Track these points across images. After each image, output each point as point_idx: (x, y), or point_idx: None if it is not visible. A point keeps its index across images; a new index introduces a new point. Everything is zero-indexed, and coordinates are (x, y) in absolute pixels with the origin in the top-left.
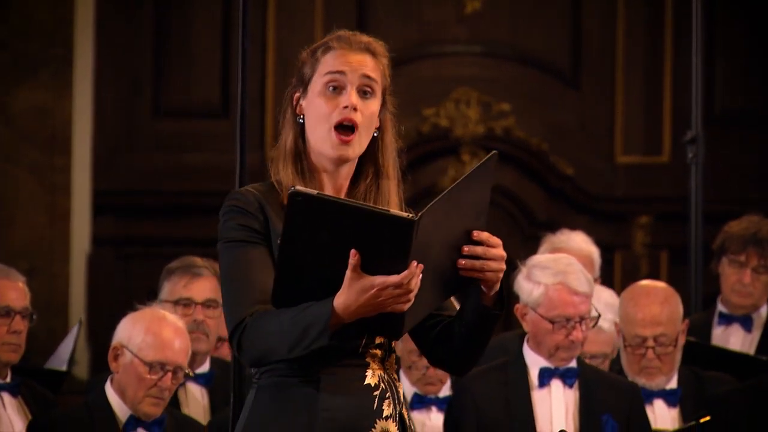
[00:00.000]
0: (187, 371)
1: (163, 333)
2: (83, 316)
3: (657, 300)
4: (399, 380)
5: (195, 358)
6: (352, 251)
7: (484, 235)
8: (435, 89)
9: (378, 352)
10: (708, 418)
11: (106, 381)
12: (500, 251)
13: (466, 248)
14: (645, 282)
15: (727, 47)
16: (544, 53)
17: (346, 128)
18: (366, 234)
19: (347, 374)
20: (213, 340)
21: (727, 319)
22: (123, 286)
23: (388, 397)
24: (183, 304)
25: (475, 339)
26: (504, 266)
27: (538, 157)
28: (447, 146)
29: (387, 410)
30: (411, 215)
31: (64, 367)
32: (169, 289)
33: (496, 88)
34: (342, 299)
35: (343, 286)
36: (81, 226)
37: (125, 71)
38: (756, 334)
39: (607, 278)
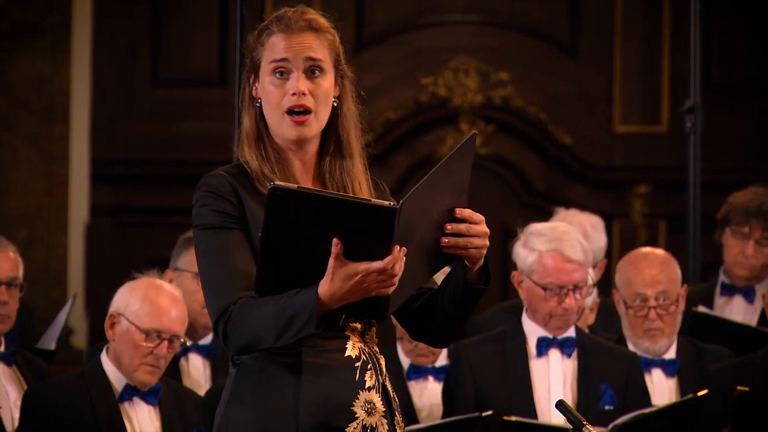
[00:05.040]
0: (183, 340)
1: (160, 301)
2: (81, 285)
3: (656, 262)
4: (381, 353)
5: (197, 331)
6: (335, 240)
7: (467, 212)
8: (433, 58)
9: (358, 325)
10: (706, 391)
11: (102, 350)
12: (483, 228)
13: (449, 226)
14: (642, 248)
15: (725, 15)
16: (542, 22)
17: (299, 112)
18: (348, 223)
19: (328, 347)
20: None
21: (729, 290)
22: (121, 255)
23: (370, 369)
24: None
25: (459, 313)
26: (487, 242)
27: (536, 126)
28: (445, 115)
29: (369, 381)
30: (393, 203)
31: (52, 346)
32: (190, 258)
33: (494, 57)
34: (327, 287)
35: (326, 273)
36: (79, 195)
37: (123, 40)
38: (758, 305)
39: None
